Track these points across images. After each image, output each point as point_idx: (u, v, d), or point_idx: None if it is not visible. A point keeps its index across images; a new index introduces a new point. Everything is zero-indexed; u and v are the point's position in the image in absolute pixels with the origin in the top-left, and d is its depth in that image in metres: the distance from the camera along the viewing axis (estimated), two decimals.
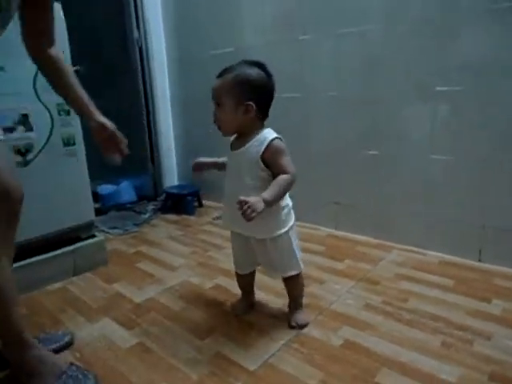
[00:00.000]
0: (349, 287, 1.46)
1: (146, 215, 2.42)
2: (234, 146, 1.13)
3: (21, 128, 1.42)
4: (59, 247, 1.61)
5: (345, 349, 1.12)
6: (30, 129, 1.45)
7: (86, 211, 1.69)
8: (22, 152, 1.43)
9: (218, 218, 2.30)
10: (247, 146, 1.08)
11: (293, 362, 1.07)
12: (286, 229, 1.14)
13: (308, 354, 1.10)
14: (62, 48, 1.51)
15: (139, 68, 2.61)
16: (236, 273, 1.31)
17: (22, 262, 1.50)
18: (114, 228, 2.24)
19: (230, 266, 1.36)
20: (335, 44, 1.85)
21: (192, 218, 2.41)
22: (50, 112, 1.50)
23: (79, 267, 1.65)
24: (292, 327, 1.22)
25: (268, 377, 1.02)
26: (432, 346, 1.11)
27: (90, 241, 1.69)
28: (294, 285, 1.24)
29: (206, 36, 2.43)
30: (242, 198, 0.96)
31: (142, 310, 1.37)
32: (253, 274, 1.31)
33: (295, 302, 1.26)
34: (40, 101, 1.47)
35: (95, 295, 1.49)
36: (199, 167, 1.25)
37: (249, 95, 1.05)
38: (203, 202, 2.61)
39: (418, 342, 1.13)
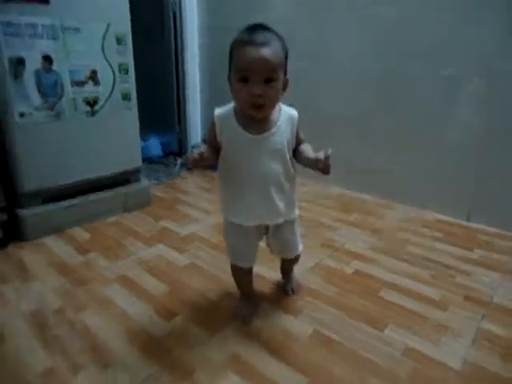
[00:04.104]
0: (357, 233, 1.77)
1: (176, 168, 2.70)
2: (253, 129, 0.95)
3: (90, 82, 1.66)
4: (112, 187, 1.90)
5: (355, 275, 1.43)
6: (97, 83, 1.69)
7: (135, 158, 1.96)
8: (91, 103, 1.68)
9: None
10: (277, 125, 0.97)
11: (317, 281, 1.38)
12: (297, 210, 1.15)
13: (326, 276, 1.41)
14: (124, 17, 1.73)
15: (172, 32, 2.80)
16: (239, 272, 1.18)
17: (84, 198, 1.79)
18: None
19: None
20: (358, 23, 2.06)
21: (216, 173, 2.68)
22: (113, 69, 1.74)
23: (129, 206, 1.94)
24: (286, 293, 1.30)
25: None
26: (422, 277, 1.42)
27: (138, 184, 1.98)
28: (295, 261, 1.27)
29: (236, 4, 2.62)
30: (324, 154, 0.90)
31: (188, 240, 1.67)
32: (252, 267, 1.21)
33: (290, 271, 1.33)
34: (106, 59, 1.70)
35: (146, 228, 1.79)
36: (196, 164, 0.93)
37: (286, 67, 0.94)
38: None
39: (411, 273, 1.44)
